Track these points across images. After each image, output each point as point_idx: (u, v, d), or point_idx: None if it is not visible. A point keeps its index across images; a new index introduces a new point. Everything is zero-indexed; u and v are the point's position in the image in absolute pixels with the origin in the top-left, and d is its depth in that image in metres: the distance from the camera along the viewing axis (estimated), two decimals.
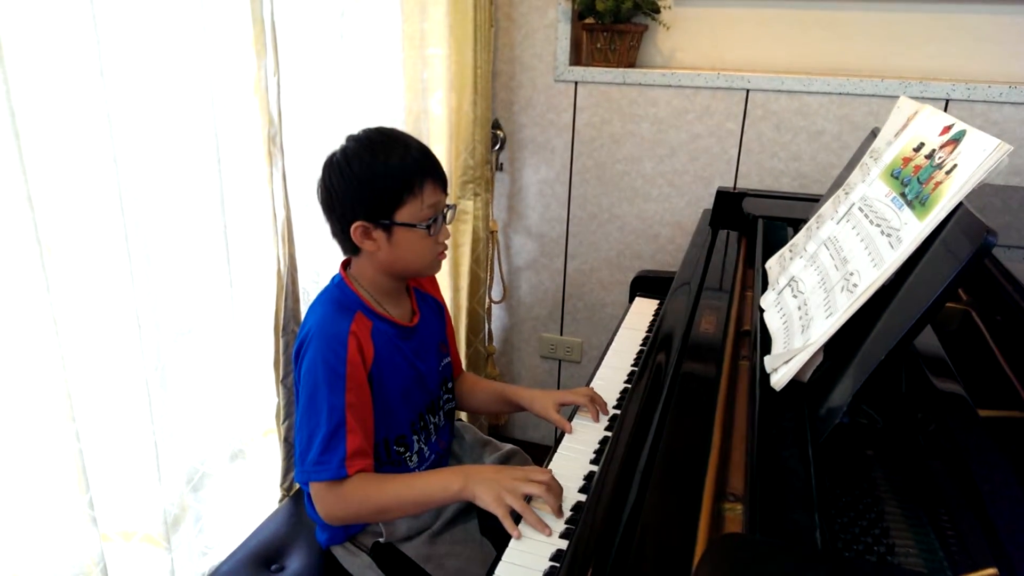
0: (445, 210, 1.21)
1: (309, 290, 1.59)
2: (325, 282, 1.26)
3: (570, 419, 1.28)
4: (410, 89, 1.90)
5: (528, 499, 1.04)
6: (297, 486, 1.49)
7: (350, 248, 1.19)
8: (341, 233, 1.18)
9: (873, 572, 0.63)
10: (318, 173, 1.18)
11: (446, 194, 1.21)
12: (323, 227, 1.21)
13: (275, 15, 1.30)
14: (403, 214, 1.15)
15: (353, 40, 1.66)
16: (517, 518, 1.02)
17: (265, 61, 1.29)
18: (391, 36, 1.82)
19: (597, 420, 1.27)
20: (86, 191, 1.06)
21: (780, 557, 0.61)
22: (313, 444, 1.11)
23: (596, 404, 1.29)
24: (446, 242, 1.24)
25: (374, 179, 1.13)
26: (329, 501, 1.14)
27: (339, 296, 1.21)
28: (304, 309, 1.51)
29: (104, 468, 1.16)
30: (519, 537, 0.99)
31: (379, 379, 1.18)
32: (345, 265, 1.25)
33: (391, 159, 1.14)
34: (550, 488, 1.04)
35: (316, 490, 1.14)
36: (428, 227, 1.17)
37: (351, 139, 1.17)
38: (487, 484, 1.07)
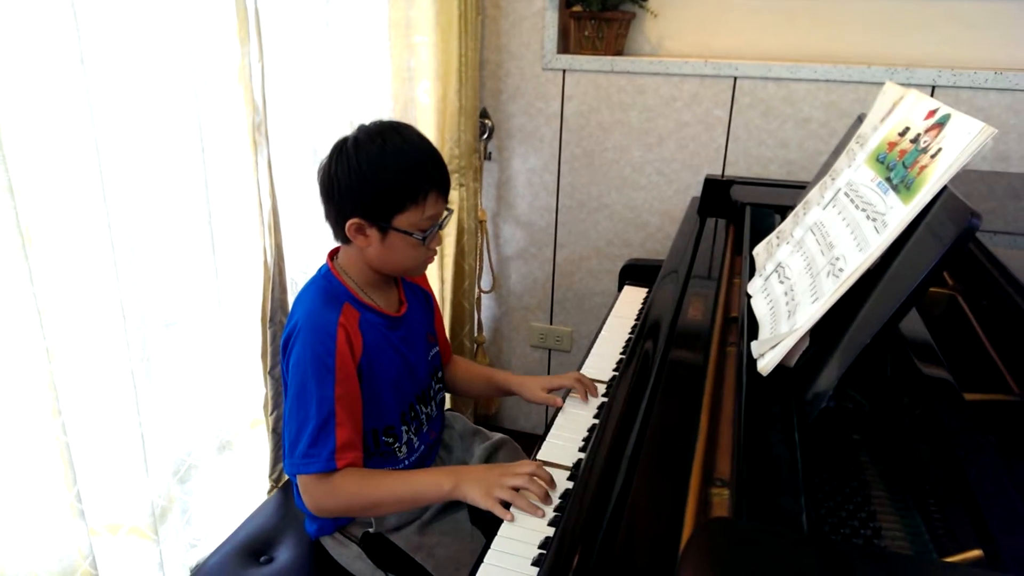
0: (444, 217, 1.19)
1: (296, 280, 1.58)
2: (313, 272, 1.25)
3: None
4: (397, 77, 1.89)
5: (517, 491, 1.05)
6: (286, 477, 1.49)
7: (342, 237, 1.19)
8: (336, 223, 1.17)
9: (859, 555, 0.63)
10: (305, 162, 1.17)
11: (447, 201, 1.19)
12: (310, 217, 1.21)
13: (259, 2, 1.29)
14: (402, 220, 1.14)
15: (339, 27, 1.65)
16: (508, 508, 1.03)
17: (249, 48, 1.28)
18: (377, 23, 1.81)
19: (586, 400, 1.28)
20: (68, 181, 1.05)
21: (766, 541, 0.61)
22: (302, 436, 1.11)
23: (584, 386, 1.29)
24: (436, 248, 1.23)
25: (379, 180, 1.12)
26: (318, 494, 1.13)
27: (326, 287, 1.20)
28: (292, 299, 1.50)
29: (91, 461, 1.15)
30: (512, 519, 1.00)
31: (368, 370, 1.18)
32: (333, 254, 1.25)
33: (401, 162, 1.12)
34: (536, 476, 1.05)
35: (305, 482, 1.14)
36: (424, 238, 1.16)
37: (364, 129, 1.15)
38: (476, 483, 1.08)
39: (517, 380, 1.40)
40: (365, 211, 1.13)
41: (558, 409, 1.28)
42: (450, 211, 1.22)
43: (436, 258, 2.12)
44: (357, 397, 1.16)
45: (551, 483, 1.06)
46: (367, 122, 1.17)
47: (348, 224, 1.14)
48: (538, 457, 1.14)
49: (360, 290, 1.21)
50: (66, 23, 1.00)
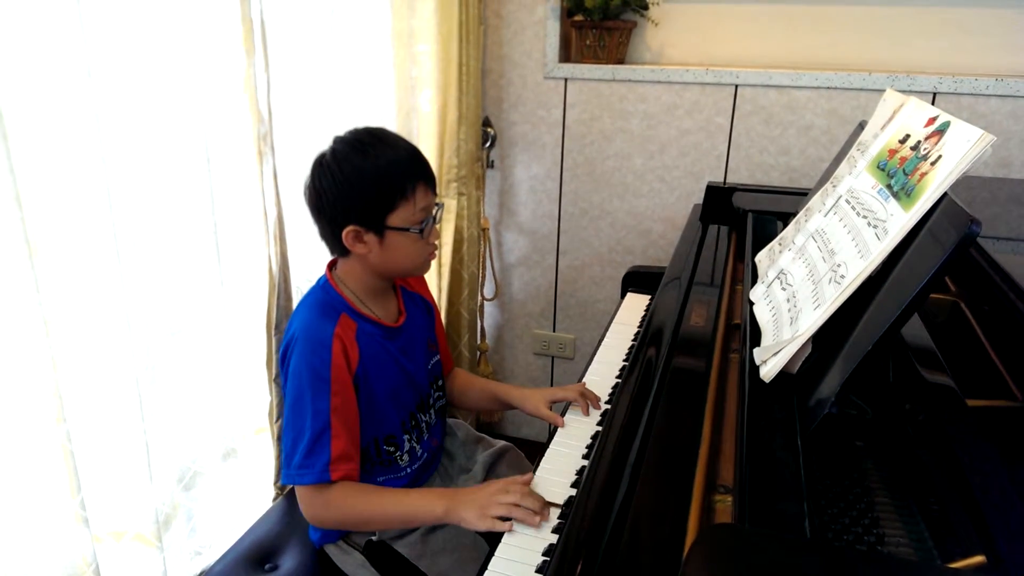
0: (435, 211, 1.20)
1: (301, 288, 1.59)
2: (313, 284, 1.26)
3: (562, 415, 1.28)
4: (400, 86, 1.90)
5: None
6: (290, 486, 1.49)
7: (339, 250, 1.19)
8: (331, 236, 1.17)
9: (862, 560, 0.63)
10: (309, 172, 1.18)
11: (436, 194, 1.21)
12: (315, 226, 1.21)
13: (264, 13, 1.30)
14: (395, 218, 1.14)
15: (343, 37, 1.66)
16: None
17: (255, 59, 1.29)
18: (380, 33, 1.82)
19: (587, 414, 1.27)
20: (74, 190, 1.06)
21: (769, 546, 0.61)
22: (298, 448, 1.12)
23: (587, 399, 1.29)
24: (436, 242, 1.24)
25: (365, 183, 1.13)
26: (315, 505, 1.14)
27: (323, 298, 1.21)
28: None
29: (95, 468, 1.15)
30: (511, 530, 1.00)
31: (366, 381, 1.18)
32: (331, 265, 1.25)
33: (381, 162, 1.13)
34: (530, 493, 1.05)
35: (301, 493, 1.15)
36: (420, 230, 1.17)
37: (339, 140, 1.16)
38: (469, 505, 1.08)
39: (519, 394, 1.39)
40: (358, 217, 1.14)
41: (561, 414, 1.28)
42: (440, 204, 1.22)
43: (433, 266, 2.14)
44: (354, 408, 1.17)
45: (542, 501, 1.05)
46: (343, 132, 1.18)
47: (344, 233, 1.14)
48: (542, 464, 1.15)
49: (358, 301, 1.22)
50: (73, 34, 1.01)
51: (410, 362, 1.27)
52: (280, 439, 1.50)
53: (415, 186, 1.15)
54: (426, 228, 1.17)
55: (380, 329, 1.22)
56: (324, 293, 1.21)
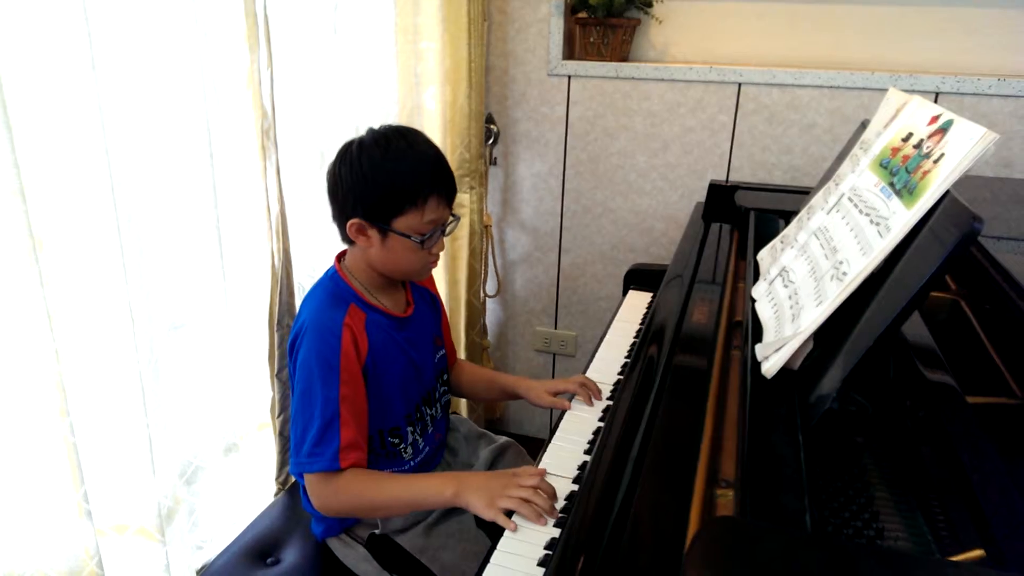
0: (446, 224, 1.20)
1: (304, 284, 1.59)
2: (320, 276, 1.26)
3: None
4: (403, 83, 1.90)
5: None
6: (293, 479, 1.50)
7: (346, 237, 1.20)
8: (339, 223, 1.19)
9: (863, 553, 0.63)
10: (312, 167, 1.18)
11: (451, 208, 1.20)
12: (318, 221, 1.22)
13: (268, 9, 1.30)
14: (401, 223, 1.15)
15: (346, 34, 1.67)
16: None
17: (258, 55, 1.29)
18: (384, 30, 1.82)
19: (591, 404, 1.28)
20: (78, 185, 1.07)
21: (770, 539, 0.61)
22: (307, 436, 1.12)
23: (588, 389, 1.30)
24: (439, 253, 1.23)
25: (379, 181, 1.13)
26: (324, 493, 1.14)
27: (332, 288, 1.21)
28: (299, 303, 1.51)
29: (98, 462, 1.16)
30: (515, 529, 1.00)
31: (374, 370, 1.19)
32: (340, 257, 1.26)
33: (402, 165, 1.13)
34: (540, 489, 1.05)
35: (311, 481, 1.15)
36: (422, 241, 1.17)
37: (370, 132, 1.17)
38: (479, 491, 1.08)
39: (524, 384, 1.40)
40: (365, 212, 1.15)
41: (563, 413, 1.29)
42: (456, 217, 1.22)
43: (448, 261, 2.14)
44: (362, 397, 1.17)
45: (554, 496, 1.05)
46: (378, 125, 1.19)
47: (349, 224, 1.15)
48: (543, 459, 1.15)
49: (366, 291, 1.22)
50: (78, 29, 1.01)
51: (417, 353, 1.28)
52: (282, 433, 1.51)
53: (428, 197, 1.14)
54: (428, 240, 1.17)
55: (389, 319, 1.23)
56: (333, 283, 1.22)
